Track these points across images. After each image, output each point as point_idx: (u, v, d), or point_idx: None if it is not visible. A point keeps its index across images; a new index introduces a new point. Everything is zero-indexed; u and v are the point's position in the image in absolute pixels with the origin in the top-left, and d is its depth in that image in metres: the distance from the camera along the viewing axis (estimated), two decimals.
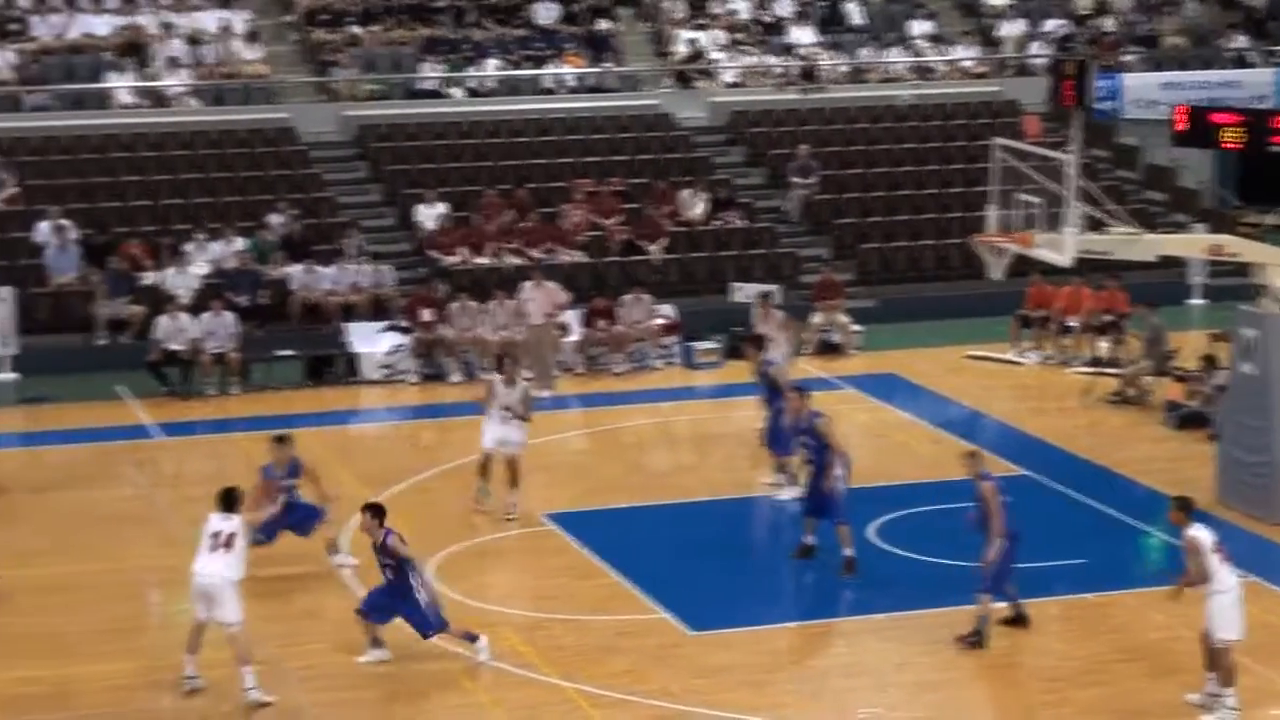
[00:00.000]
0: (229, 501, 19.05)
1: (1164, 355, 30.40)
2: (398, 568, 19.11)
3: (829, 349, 33.99)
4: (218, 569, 18.60)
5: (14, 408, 30.85)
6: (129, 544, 23.58)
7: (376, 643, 19.30)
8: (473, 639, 19.29)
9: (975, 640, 19.59)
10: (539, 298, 31.79)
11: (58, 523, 24.48)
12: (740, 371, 32.63)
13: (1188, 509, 18.36)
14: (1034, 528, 23.63)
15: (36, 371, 31.94)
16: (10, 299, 31.86)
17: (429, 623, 19.14)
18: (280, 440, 22.53)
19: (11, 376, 31.92)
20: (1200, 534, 18.03)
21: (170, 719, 18.31)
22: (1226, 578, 17.92)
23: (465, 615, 20.67)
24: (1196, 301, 37.73)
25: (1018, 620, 20.12)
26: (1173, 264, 36.98)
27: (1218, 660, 17.93)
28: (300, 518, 22.21)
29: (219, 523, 18.84)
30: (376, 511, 19.41)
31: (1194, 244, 33.17)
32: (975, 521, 19.86)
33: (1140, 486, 25.71)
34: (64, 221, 34.20)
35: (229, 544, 18.68)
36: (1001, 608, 19.99)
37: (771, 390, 25.66)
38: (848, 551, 22.17)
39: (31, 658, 19.72)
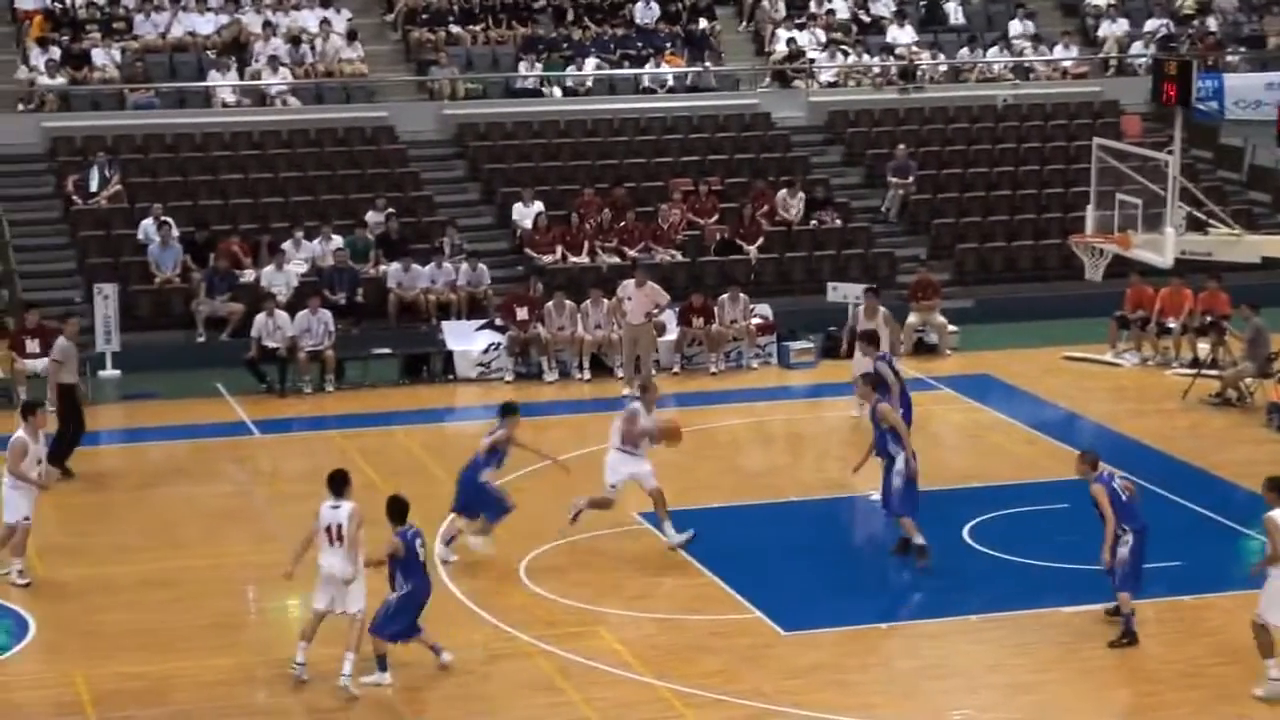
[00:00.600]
0: (336, 487, 19.09)
1: (1266, 357, 30.10)
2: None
3: (925, 349, 33.87)
4: (335, 563, 18.75)
5: (116, 404, 31.17)
6: (227, 540, 23.78)
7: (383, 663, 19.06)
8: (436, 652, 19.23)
9: (1127, 640, 19.65)
10: (639, 297, 31.78)
11: (158, 519, 24.73)
12: (835, 371, 32.65)
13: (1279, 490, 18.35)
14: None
15: (138, 368, 32.26)
16: (113, 296, 32.17)
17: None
18: (507, 411, 22.76)
19: (113, 373, 32.24)
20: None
21: (267, 714, 18.44)
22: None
23: (559, 614, 20.75)
24: None
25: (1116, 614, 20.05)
26: (1276, 265, 36.63)
27: (1260, 636, 18.10)
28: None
29: (328, 514, 18.96)
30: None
31: None
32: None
33: (1240, 489, 25.45)
34: (166, 219, 34.54)
35: (340, 535, 18.80)
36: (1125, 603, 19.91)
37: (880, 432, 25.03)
38: (918, 540, 22.21)
39: (130, 652, 19.93)
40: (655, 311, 31.87)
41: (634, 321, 31.65)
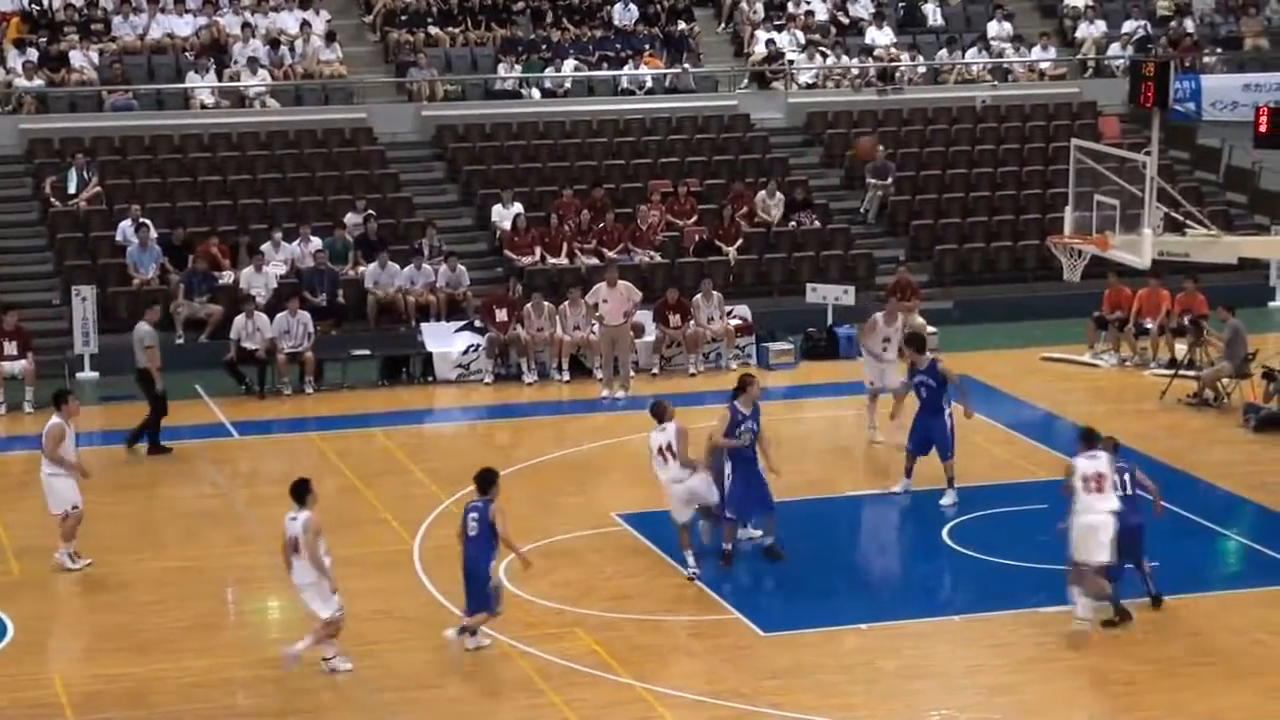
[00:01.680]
0: (297, 496, 19.18)
1: (1243, 357, 30.18)
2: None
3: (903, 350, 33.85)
4: (296, 575, 18.85)
5: (94, 406, 31.10)
6: (206, 542, 23.76)
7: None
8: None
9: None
10: (614, 297, 31.78)
11: (137, 520, 24.71)
12: (815, 372, 32.71)
13: (1089, 440, 20.47)
14: None
15: (116, 370, 32.15)
16: (91, 297, 32.12)
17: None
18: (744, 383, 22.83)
19: (91, 375, 32.19)
20: (1079, 461, 20.19)
21: (246, 716, 18.42)
22: (1094, 504, 19.78)
23: (538, 615, 20.75)
24: (1278, 304, 37.47)
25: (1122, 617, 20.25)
26: (1254, 266, 36.80)
27: (1081, 578, 19.84)
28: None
29: (288, 525, 19.07)
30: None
31: (1274, 246, 33.02)
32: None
33: (1218, 489, 25.57)
34: (145, 221, 34.50)
35: (296, 548, 18.87)
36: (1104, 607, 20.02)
37: (939, 386, 24.96)
38: (947, 498, 24.27)
39: (109, 654, 19.92)
40: (631, 309, 31.83)
41: (612, 322, 31.64)
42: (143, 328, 28.36)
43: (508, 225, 36.04)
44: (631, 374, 31.65)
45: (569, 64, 41.55)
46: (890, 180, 39.13)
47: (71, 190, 35.73)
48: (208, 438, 28.95)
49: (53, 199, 35.61)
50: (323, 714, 18.23)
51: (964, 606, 21.11)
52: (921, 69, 43.43)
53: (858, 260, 36.90)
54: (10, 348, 30.46)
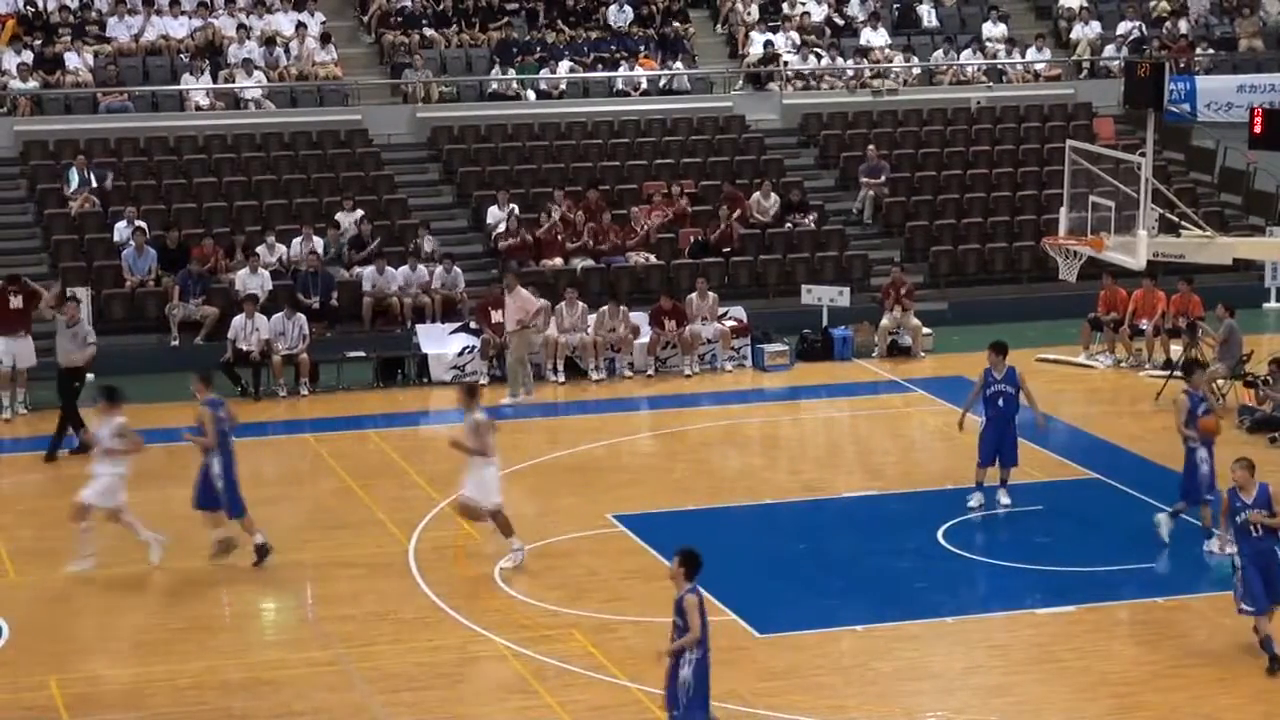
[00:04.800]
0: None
1: (1238, 359, 30.20)
2: None
3: (899, 351, 33.92)
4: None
5: (89, 407, 31.05)
6: (201, 544, 23.69)
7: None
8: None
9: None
10: (509, 305, 31.36)
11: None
12: (810, 373, 32.71)
13: None
14: (1104, 531, 23.67)
15: (111, 372, 32.08)
16: (86, 299, 32.08)
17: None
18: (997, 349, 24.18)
19: (87, 377, 32.09)
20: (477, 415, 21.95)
21: (241, 718, 18.41)
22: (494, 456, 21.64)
23: (533, 616, 20.74)
24: (1274, 305, 37.54)
25: None
26: (1249, 267, 36.82)
27: (497, 520, 21.87)
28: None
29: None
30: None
31: (1268, 247, 33.05)
32: None
33: (1214, 491, 25.53)
34: (141, 223, 34.49)
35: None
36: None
37: (1016, 394, 24.69)
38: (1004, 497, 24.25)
39: (103, 656, 19.91)
40: (525, 318, 31.29)
41: (509, 329, 31.35)
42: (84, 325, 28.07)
43: (503, 227, 36.03)
44: (530, 380, 31.20)
45: (564, 65, 41.55)
46: (883, 178, 39.15)
47: (70, 190, 35.72)
48: None
49: (70, 199, 35.60)
50: (319, 715, 18.20)
51: (959, 608, 21.11)
52: (916, 70, 43.45)
53: (853, 261, 36.91)
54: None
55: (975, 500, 24.46)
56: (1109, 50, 44.66)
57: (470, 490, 22.20)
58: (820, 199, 39.09)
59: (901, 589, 21.78)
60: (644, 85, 41.68)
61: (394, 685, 18.94)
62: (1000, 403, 24.37)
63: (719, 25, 44.79)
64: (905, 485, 26.03)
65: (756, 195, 37.70)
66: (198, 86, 39.19)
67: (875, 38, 43.78)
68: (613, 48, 42.52)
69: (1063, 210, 28.22)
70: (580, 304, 32.48)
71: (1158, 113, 27.89)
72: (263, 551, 22.54)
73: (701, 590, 16.22)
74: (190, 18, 41.10)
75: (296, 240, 34.74)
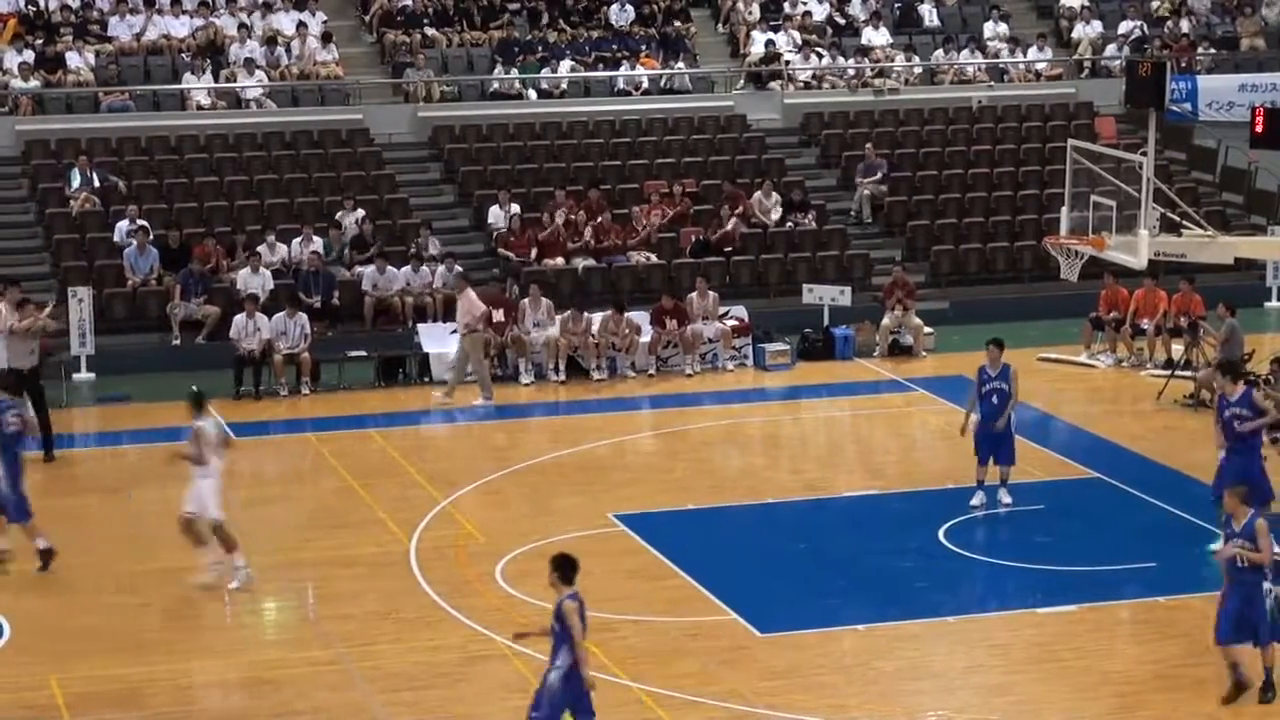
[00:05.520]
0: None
1: (1239, 358, 30.16)
2: None
3: (900, 350, 33.90)
4: None
5: (91, 407, 31.12)
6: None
7: None
8: None
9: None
10: (459, 308, 31.28)
11: (133, 521, 24.67)
12: (811, 373, 32.71)
13: None
14: (1105, 530, 23.68)
15: (112, 371, 32.20)
16: (88, 299, 32.09)
17: None
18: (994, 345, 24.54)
19: (88, 376, 32.17)
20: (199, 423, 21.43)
21: (241, 718, 18.42)
22: (216, 464, 21.21)
23: (535, 616, 20.72)
24: (1275, 304, 37.53)
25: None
26: (1251, 266, 36.81)
27: (219, 535, 21.33)
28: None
29: None
30: None
31: (1269, 246, 33.04)
32: None
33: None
34: (142, 222, 34.49)
35: None
36: None
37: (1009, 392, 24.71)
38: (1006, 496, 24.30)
39: (104, 655, 19.88)
40: (472, 321, 31.10)
41: (459, 331, 31.20)
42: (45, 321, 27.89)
43: (504, 226, 36.04)
44: (460, 383, 30.93)
45: (565, 65, 41.54)
46: (880, 175, 39.12)
47: (72, 190, 35.75)
48: None
49: (70, 198, 35.60)
50: (318, 715, 18.20)
51: (960, 608, 21.11)
52: (918, 69, 43.43)
53: (854, 261, 36.90)
54: None
55: (977, 499, 24.45)
56: (1110, 49, 44.64)
57: (190, 505, 21.65)
58: (821, 198, 39.06)
59: (902, 588, 21.78)
60: (645, 84, 41.67)
61: (395, 684, 18.94)
62: (995, 399, 24.40)
63: (720, 24, 44.78)
64: (906, 484, 26.04)
65: (758, 195, 37.68)
66: (199, 86, 39.18)
67: (876, 37, 43.76)
68: (614, 47, 42.51)
69: (1064, 210, 28.23)
70: (545, 300, 32.42)
71: (1159, 112, 27.89)
72: (46, 556, 22.37)
73: (581, 596, 16.10)
74: (191, 17, 41.07)
75: (296, 240, 34.72)
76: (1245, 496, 18.23)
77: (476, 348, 31.05)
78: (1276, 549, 18.28)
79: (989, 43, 44.41)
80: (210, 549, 21.68)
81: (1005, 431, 24.44)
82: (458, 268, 33.83)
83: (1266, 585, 17.83)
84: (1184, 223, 27.33)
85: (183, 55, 40.04)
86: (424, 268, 34.30)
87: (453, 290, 33.97)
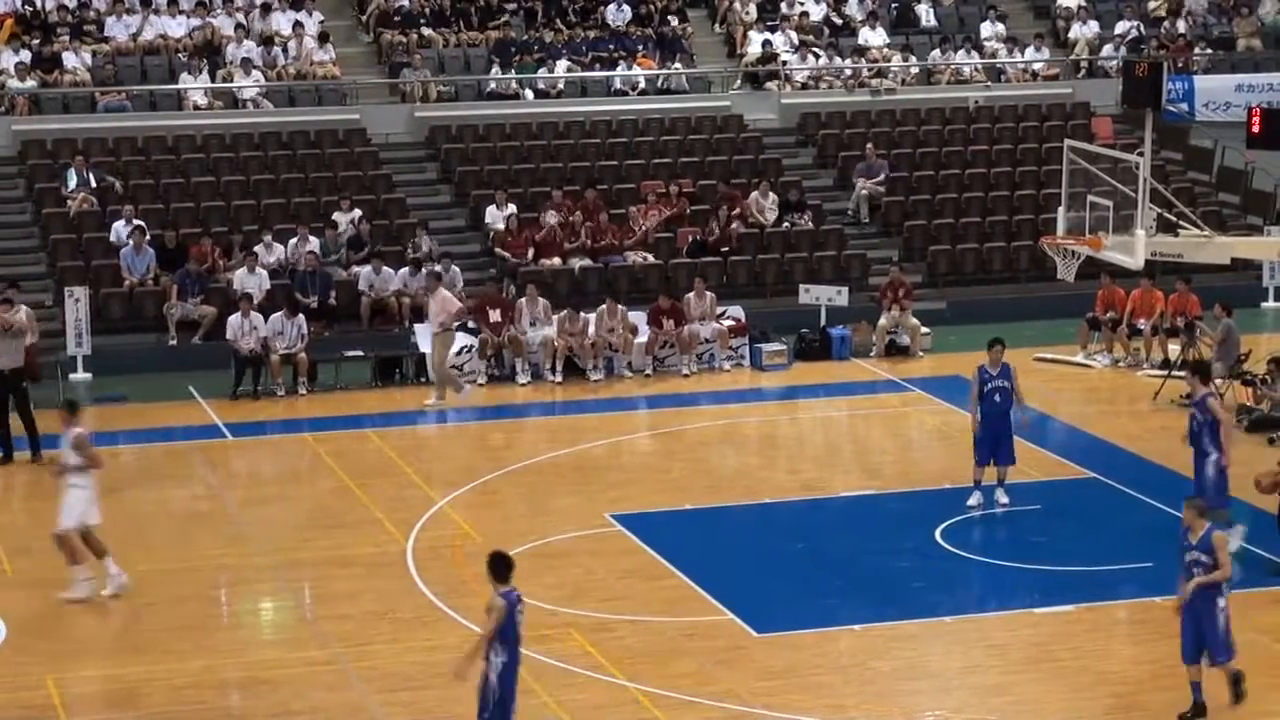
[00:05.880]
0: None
1: (1236, 358, 30.21)
2: None
3: (897, 351, 33.90)
4: None
5: (87, 407, 31.04)
6: (199, 543, 23.72)
7: None
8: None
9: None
10: (430, 306, 31.23)
11: (129, 521, 24.61)
12: (808, 373, 32.72)
13: None
14: (1102, 530, 23.69)
15: (109, 371, 32.20)
16: (84, 299, 32.08)
17: None
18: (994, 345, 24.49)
19: (85, 376, 32.17)
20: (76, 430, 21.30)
21: (239, 718, 18.41)
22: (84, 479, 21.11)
23: (532, 616, 20.71)
24: (1273, 305, 37.54)
25: None
26: (1247, 267, 36.82)
27: (64, 545, 21.08)
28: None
29: None
30: None
31: (1266, 246, 33.04)
32: None
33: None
34: (139, 222, 34.48)
35: None
36: None
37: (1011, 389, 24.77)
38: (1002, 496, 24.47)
39: (101, 655, 19.89)
40: (447, 320, 30.98)
41: (432, 330, 31.16)
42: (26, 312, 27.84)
43: (501, 226, 36.03)
44: (446, 382, 31.03)
45: (562, 65, 41.54)
46: (881, 176, 39.13)
47: (68, 189, 35.75)
48: (201, 439, 28.91)
49: (68, 199, 35.59)
50: (316, 715, 18.20)
51: (957, 608, 21.10)
52: (915, 70, 43.43)
53: (851, 261, 36.89)
54: None
55: (975, 499, 24.44)
56: (1107, 50, 44.65)
57: (67, 519, 21.41)
58: (818, 198, 39.05)
59: (900, 588, 21.78)
60: (642, 84, 41.67)
61: (391, 684, 18.94)
62: (996, 398, 24.40)
63: (717, 25, 44.77)
64: (903, 484, 26.05)
65: (755, 195, 37.68)
66: (196, 86, 39.17)
67: (873, 37, 43.77)
68: (611, 47, 42.51)
69: (1061, 210, 28.26)
70: (542, 300, 32.42)
71: (1156, 112, 27.91)
72: None
73: (517, 594, 16.06)
74: (188, 17, 41.06)
75: (293, 241, 34.70)
76: (1203, 509, 18.04)
77: (445, 346, 30.99)
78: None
79: (986, 43, 44.42)
80: (87, 565, 21.44)
81: (1006, 431, 24.44)
82: (436, 268, 33.59)
83: (1221, 602, 17.71)
84: (1180, 223, 27.35)
85: (179, 55, 40.02)
86: (421, 268, 34.27)
87: (426, 291, 34.00)
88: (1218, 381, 29.96)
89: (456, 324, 31.40)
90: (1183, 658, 17.98)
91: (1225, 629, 17.76)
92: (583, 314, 32.62)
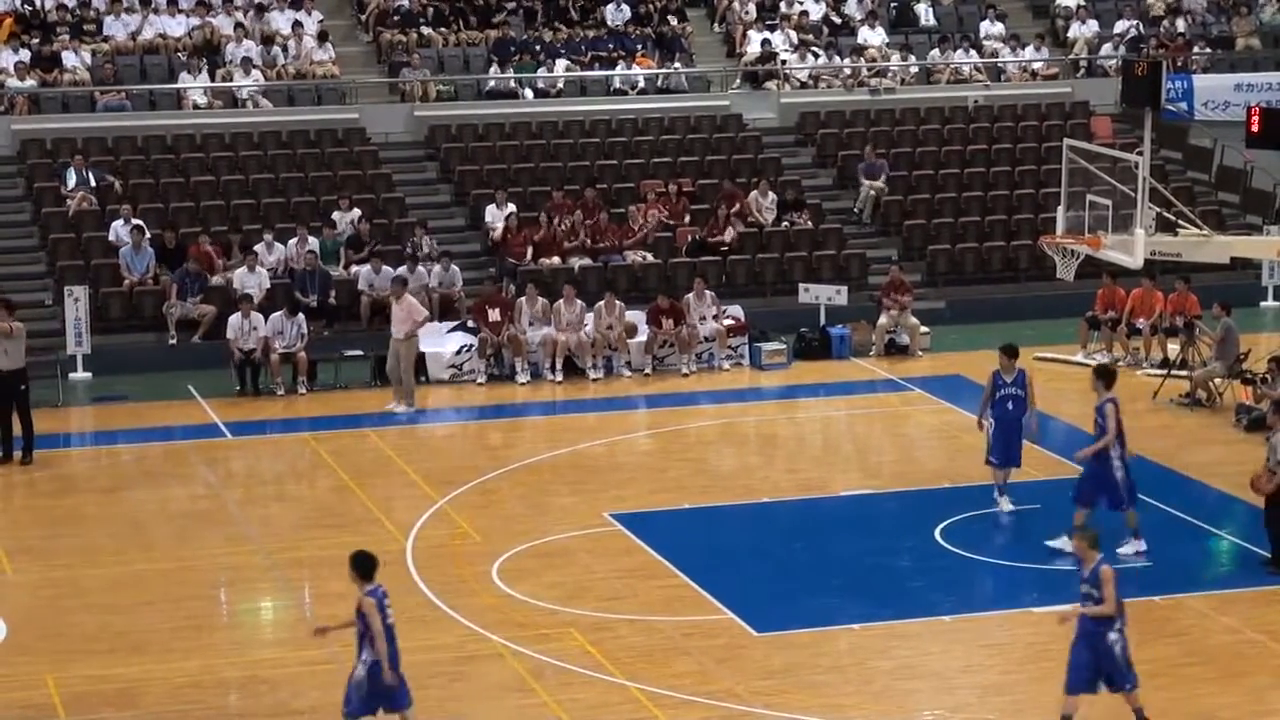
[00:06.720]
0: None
1: (1235, 357, 30.22)
2: None
3: (896, 350, 33.91)
4: None
5: (87, 406, 31.11)
6: (198, 542, 23.73)
7: None
8: None
9: None
10: (397, 312, 30.93)
11: (129, 521, 24.67)
12: (807, 372, 32.73)
13: None
14: (1101, 530, 23.62)
15: (109, 371, 32.21)
16: (84, 298, 32.08)
17: None
18: (1008, 353, 24.28)
19: (84, 376, 32.17)
20: None
21: (238, 717, 18.41)
22: None
23: (531, 615, 20.75)
24: (1271, 304, 37.54)
25: None
26: (1247, 266, 36.84)
27: None
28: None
29: None
30: None
31: (1265, 246, 33.07)
32: None
33: (1210, 489, 25.59)
34: (138, 221, 34.49)
35: None
36: None
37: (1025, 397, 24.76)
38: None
39: (101, 654, 19.88)
40: (413, 327, 30.73)
41: (397, 336, 30.87)
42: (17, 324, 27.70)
43: (500, 226, 36.03)
44: (414, 388, 30.66)
45: (561, 64, 41.55)
46: (883, 178, 39.15)
47: (68, 189, 35.75)
48: (200, 438, 28.92)
49: (68, 199, 35.57)
50: (315, 715, 18.20)
51: (956, 607, 21.10)
52: (914, 69, 43.44)
53: (850, 260, 36.90)
54: None
55: (1005, 503, 24.44)
56: (1106, 49, 44.67)
57: None
58: (818, 198, 39.07)
59: (899, 588, 21.79)
60: (641, 84, 41.68)
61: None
62: (1010, 405, 24.32)
63: (716, 24, 44.79)
64: (902, 484, 26.05)
65: (754, 194, 37.69)
66: (195, 85, 39.18)
67: (873, 36, 43.78)
68: (610, 46, 42.52)
69: (1060, 209, 28.27)
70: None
71: (1155, 111, 27.94)
72: None
73: (383, 590, 16.19)
74: (188, 16, 41.06)
75: (292, 241, 34.69)
76: (1094, 541, 17.50)
77: (410, 353, 30.86)
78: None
79: (985, 42, 44.44)
80: None
81: (1017, 437, 24.41)
82: (400, 271, 33.37)
83: (1113, 635, 17.20)
84: (1180, 222, 27.36)
85: (179, 54, 40.03)
86: (419, 267, 34.26)
87: (447, 289, 34.04)
88: (1217, 381, 30.05)
89: (420, 331, 31.15)
90: (1065, 687, 17.36)
91: (1123, 658, 17.26)
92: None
